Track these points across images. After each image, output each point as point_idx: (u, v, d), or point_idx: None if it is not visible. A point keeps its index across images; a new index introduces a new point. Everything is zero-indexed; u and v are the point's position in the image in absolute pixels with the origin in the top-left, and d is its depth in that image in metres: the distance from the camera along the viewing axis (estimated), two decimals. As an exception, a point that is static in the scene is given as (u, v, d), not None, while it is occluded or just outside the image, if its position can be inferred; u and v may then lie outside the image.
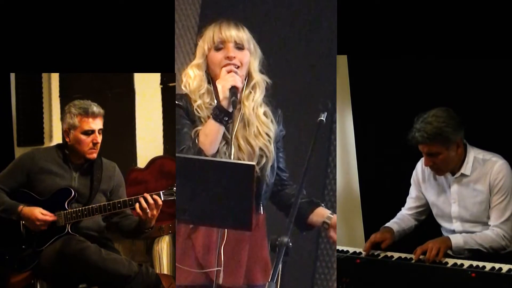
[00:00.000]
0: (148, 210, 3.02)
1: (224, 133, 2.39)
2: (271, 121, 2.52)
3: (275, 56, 3.82)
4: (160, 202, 3.04)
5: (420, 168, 3.25)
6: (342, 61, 3.75)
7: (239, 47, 2.44)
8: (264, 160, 2.45)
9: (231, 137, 2.42)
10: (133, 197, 3.09)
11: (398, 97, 3.61)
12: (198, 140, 2.36)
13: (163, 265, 3.95)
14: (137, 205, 3.04)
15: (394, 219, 3.29)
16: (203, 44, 2.46)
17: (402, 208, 3.34)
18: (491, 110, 3.38)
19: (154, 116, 4.54)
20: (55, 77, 4.94)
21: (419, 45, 3.30)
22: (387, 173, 3.70)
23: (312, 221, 2.53)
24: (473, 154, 3.07)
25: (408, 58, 3.44)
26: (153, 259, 3.99)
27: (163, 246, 3.97)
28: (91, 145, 3.24)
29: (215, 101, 2.43)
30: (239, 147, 2.43)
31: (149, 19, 3.43)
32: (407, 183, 3.35)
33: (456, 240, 2.98)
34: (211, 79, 2.49)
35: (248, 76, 2.48)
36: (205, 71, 2.47)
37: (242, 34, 2.44)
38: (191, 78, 2.47)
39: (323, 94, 3.71)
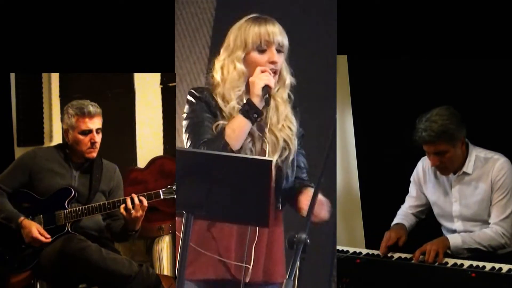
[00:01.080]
0: (132, 211, 3.04)
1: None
2: (293, 115, 2.50)
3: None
4: (145, 204, 3.05)
5: (421, 168, 3.25)
6: (342, 61, 3.75)
7: (279, 50, 2.42)
8: (286, 153, 2.43)
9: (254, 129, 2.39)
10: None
11: (398, 97, 3.61)
12: (224, 134, 2.32)
13: (163, 265, 3.95)
14: (122, 205, 3.05)
15: (400, 216, 3.29)
16: (247, 38, 2.40)
17: (402, 206, 3.34)
18: (491, 110, 3.38)
19: (154, 116, 4.54)
20: (55, 77, 4.94)
21: (419, 45, 3.30)
22: (387, 173, 3.70)
23: (300, 202, 2.43)
24: (475, 153, 3.07)
25: (408, 58, 3.44)
26: (153, 259, 4.00)
27: (163, 246, 3.97)
28: (89, 144, 3.25)
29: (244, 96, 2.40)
30: (263, 138, 2.40)
31: (149, 19, 3.43)
32: (407, 183, 3.35)
33: (455, 240, 2.98)
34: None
35: (280, 76, 2.45)
36: (243, 65, 2.42)
37: (283, 36, 2.43)
38: (231, 69, 2.41)
39: (323, 94, 3.71)
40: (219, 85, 2.42)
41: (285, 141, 2.43)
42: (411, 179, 3.30)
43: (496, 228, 2.99)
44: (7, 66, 3.58)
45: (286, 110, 2.46)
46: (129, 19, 3.43)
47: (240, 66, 2.40)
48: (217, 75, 2.43)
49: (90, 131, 3.25)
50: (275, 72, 2.41)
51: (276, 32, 2.40)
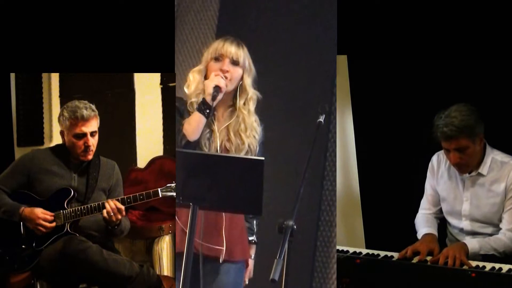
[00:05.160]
0: (112, 215, 3.12)
1: (210, 124, 2.81)
2: (259, 127, 2.91)
3: (275, 56, 3.83)
4: (122, 211, 3.15)
5: (436, 161, 3.23)
6: (342, 61, 3.75)
7: (235, 62, 2.83)
8: (249, 154, 2.85)
9: (217, 129, 2.83)
10: (131, 195, 3.16)
11: (398, 97, 3.61)
12: (182, 128, 2.76)
13: (163, 265, 3.95)
14: (104, 210, 3.13)
15: (425, 224, 3.21)
16: (207, 54, 2.88)
17: (420, 210, 3.30)
18: (495, 109, 3.37)
19: (154, 116, 4.54)
20: (55, 77, 4.94)
21: (419, 45, 3.31)
22: (387, 173, 3.70)
23: None
24: (492, 155, 3.05)
25: (408, 58, 3.44)
26: (153, 259, 3.99)
27: (163, 246, 3.96)
28: (83, 147, 3.24)
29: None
30: (228, 138, 2.85)
31: (149, 19, 3.43)
32: (407, 183, 3.35)
33: (472, 245, 2.94)
34: None
35: (243, 90, 2.88)
36: (204, 76, 2.87)
37: (241, 53, 2.85)
38: (191, 80, 2.90)
39: (323, 94, 3.71)
40: (189, 94, 2.88)
41: (249, 145, 2.87)
42: (428, 173, 3.27)
43: (510, 234, 2.97)
44: (7, 66, 3.58)
45: (251, 120, 2.88)
46: (129, 19, 3.43)
47: (198, 77, 2.87)
48: (186, 88, 2.89)
49: (84, 134, 3.24)
50: (229, 79, 2.81)
51: (232, 47, 2.84)
